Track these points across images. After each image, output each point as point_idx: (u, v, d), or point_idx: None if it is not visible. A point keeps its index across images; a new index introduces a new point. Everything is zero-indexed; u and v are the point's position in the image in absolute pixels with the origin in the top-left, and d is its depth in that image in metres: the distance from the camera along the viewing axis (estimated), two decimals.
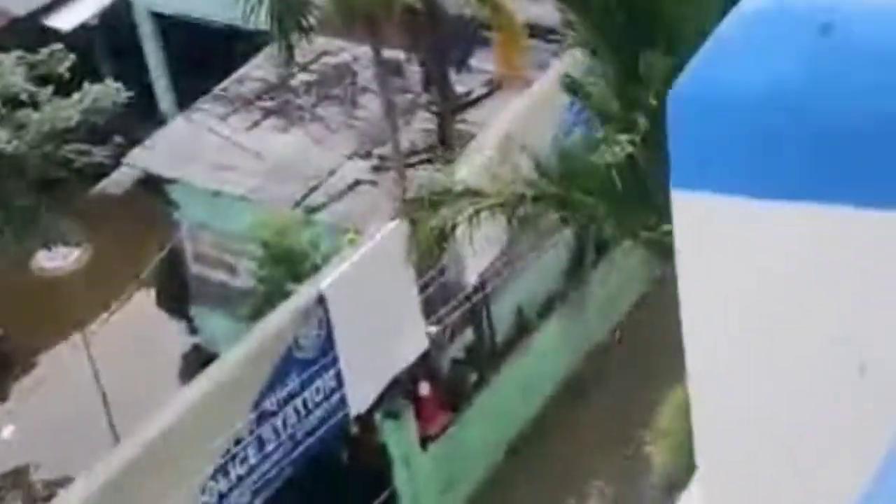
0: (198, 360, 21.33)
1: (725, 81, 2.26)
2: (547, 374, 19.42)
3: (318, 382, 16.11)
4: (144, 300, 22.01)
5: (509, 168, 13.15)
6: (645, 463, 16.84)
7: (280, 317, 15.90)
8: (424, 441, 18.15)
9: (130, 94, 19.55)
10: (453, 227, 12.59)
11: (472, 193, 12.87)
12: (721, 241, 2.30)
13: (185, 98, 22.62)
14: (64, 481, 20.39)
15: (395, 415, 17.44)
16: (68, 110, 18.58)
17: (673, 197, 2.41)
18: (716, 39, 2.32)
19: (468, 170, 17.86)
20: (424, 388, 18.23)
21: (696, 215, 2.36)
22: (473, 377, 19.00)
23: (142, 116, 22.77)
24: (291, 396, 15.84)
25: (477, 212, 12.56)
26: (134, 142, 20.71)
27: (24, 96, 18.75)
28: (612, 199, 12.37)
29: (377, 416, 17.48)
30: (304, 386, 15.96)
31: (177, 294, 21.35)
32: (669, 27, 11.64)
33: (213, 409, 15.09)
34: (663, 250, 12.58)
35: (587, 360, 19.62)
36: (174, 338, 22.00)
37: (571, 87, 13.08)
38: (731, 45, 2.27)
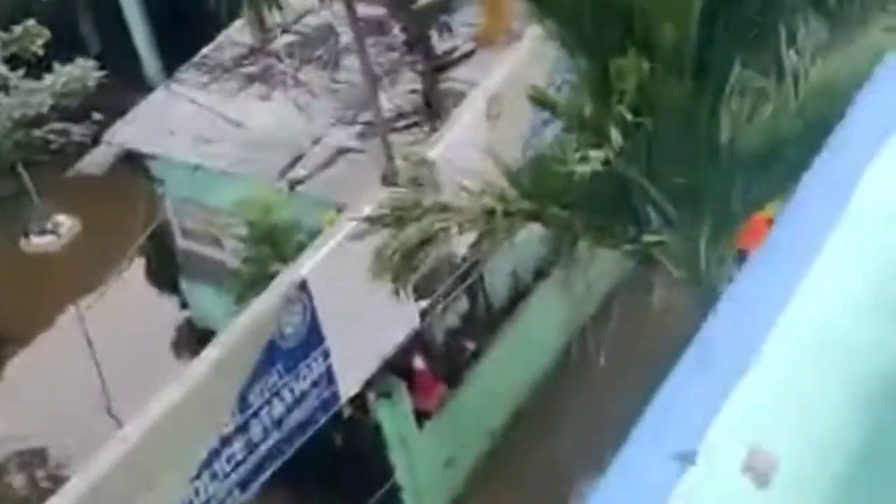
0: (191, 333, 20.22)
1: None
2: (546, 339, 18.12)
3: (305, 370, 14.87)
4: (136, 275, 20.80)
5: (478, 180, 11.75)
6: None
7: (261, 307, 14.61)
8: (422, 416, 16.95)
9: (103, 73, 18.14)
10: (421, 244, 11.27)
11: (440, 209, 11.52)
12: None
13: (174, 64, 21.12)
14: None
15: (387, 394, 16.21)
16: (40, 95, 17.20)
17: None
18: None
19: (455, 136, 16.53)
20: (419, 362, 17.00)
21: None
22: (471, 346, 17.74)
23: (129, 85, 21.37)
24: (277, 386, 14.61)
25: (444, 229, 11.22)
26: (117, 115, 19.32)
27: None
28: (589, 212, 11.06)
29: (370, 397, 16.28)
30: (290, 374, 14.71)
31: (166, 269, 20.12)
32: (645, 29, 10.21)
33: (196, 407, 13.87)
34: (645, 259, 11.27)
35: (587, 321, 18.23)
36: (168, 311, 20.82)
37: (538, 99, 11.64)
38: None
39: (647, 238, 10.96)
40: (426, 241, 11.17)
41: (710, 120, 10.58)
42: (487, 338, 17.79)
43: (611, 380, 17.71)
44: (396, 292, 11.53)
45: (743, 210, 10.86)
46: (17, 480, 20.03)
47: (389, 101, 18.30)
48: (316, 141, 18.21)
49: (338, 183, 17.51)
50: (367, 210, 15.60)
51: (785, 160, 10.24)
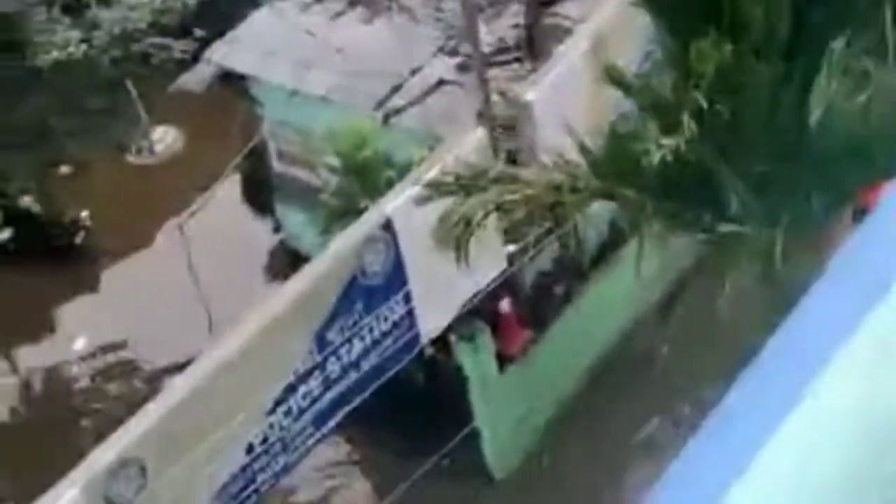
0: (284, 257, 19.94)
1: None
2: (636, 290, 17.40)
3: (387, 310, 14.45)
4: (233, 194, 20.54)
5: (553, 152, 11.09)
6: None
7: (344, 244, 14.17)
8: (505, 360, 16.47)
9: None
10: (485, 216, 10.71)
11: (507, 180, 10.91)
12: None
13: None
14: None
15: (470, 337, 15.73)
16: (140, 11, 16.83)
17: None
18: None
19: (555, 77, 15.84)
20: (505, 306, 16.47)
21: None
22: (560, 292, 17.14)
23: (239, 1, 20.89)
24: (358, 325, 14.22)
25: (509, 202, 10.64)
26: (219, 33, 18.91)
27: None
28: (662, 196, 10.36)
29: (453, 339, 15.83)
30: (371, 314, 14.30)
31: (261, 190, 19.81)
32: (733, 7, 9.37)
33: (274, 342, 13.53)
34: (721, 249, 10.59)
35: (682, 274, 17.45)
36: (262, 233, 20.57)
37: (613, 78, 10.87)
38: None
39: (723, 228, 10.29)
40: (490, 213, 10.63)
41: (799, 106, 9.78)
42: (577, 284, 17.18)
43: (698, 334, 17.07)
44: (458, 260, 11.00)
45: (827, 205, 10.12)
46: (113, 389, 20.03)
47: (492, 33, 17.61)
48: (415, 71, 17.60)
49: (434, 117, 16.91)
50: (458, 150, 15.10)
51: (880, 152, 9.49)
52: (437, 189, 11.37)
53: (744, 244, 10.32)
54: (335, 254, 14.08)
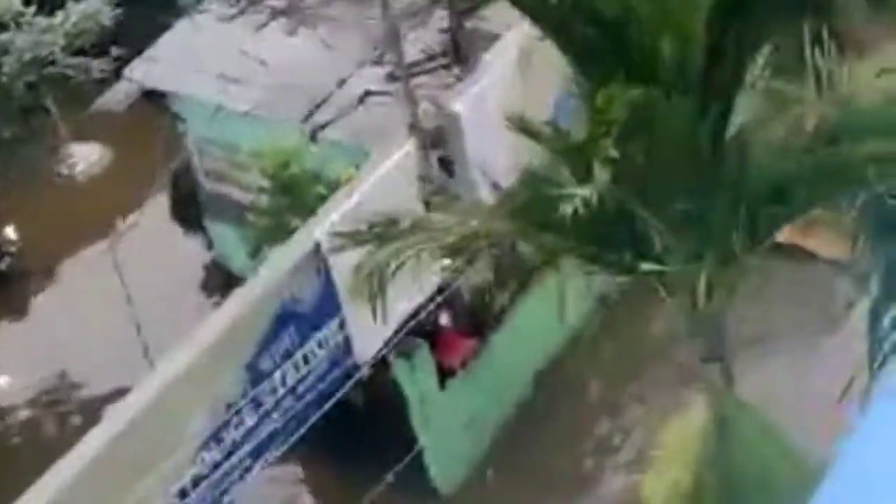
0: (218, 273, 19.35)
1: None
2: (579, 290, 16.98)
3: (320, 336, 13.93)
4: (160, 213, 19.88)
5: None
6: (690, 374, 14.46)
7: (272, 270, 13.64)
8: (448, 374, 16.02)
9: (118, 11, 16.95)
10: (399, 267, 10.29)
11: (422, 228, 10.50)
12: None
13: None
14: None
15: (407, 355, 15.25)
16: (53, 34, 16.08)
17: None
18: None
19: (482, 87, 15.41)
20: (444, 318, 16.03)
21: None
22: (498, 303, 16.66)
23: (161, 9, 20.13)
24: (290, 352, 13.69)
25: (421, 251, 10.24)
26: (138, 51, 18.17)
27: (6, 17, 16.29)
28: (580, 240, 10.02)
29: (390, 357, 15.34)
30: (304, 340, 13.78)
31: (189, 208, 19.18)
32: (642, 44, 8.94)
33: (203, 375, 12.97)
34: (651, 287, 10.26)
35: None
36: (195, 249, 19.94)
37: (521, 127, 10.41)
38: None
39: (644, 267, 9.97)
40: (403, 263, 10.22)
41: (716, 139, 9.39)
42: (516, 295, 16.71)
43: (637, 344, 16.76)
44: (374, 312, 10.56)
45: (753, 236, 9.78)
46: (47, 420, 19.30)
47: (418, 40, 17.07)
48: (341, 83, 17.03)
49: (362, 129, 16.34)
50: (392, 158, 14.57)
51: (800, 183, 9.17)
52: (350, 239, 10.89)
53: (666, 281, 10.03)
54: (263, 281, 13.54)
